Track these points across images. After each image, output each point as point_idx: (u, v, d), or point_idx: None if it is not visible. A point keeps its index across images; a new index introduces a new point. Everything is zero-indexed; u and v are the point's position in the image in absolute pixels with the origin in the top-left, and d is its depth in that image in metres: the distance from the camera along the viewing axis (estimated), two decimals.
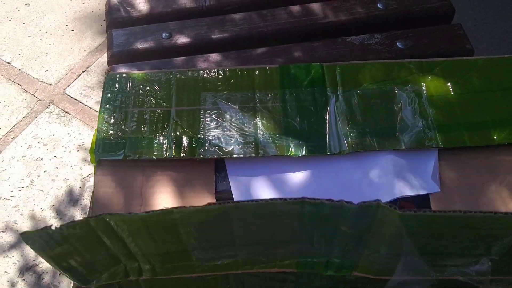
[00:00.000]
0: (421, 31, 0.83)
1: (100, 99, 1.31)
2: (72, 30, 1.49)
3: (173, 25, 0.83)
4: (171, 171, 0.51)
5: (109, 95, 0.55)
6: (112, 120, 0.54)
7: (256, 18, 0.84)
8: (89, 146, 1.27)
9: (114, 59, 0.79)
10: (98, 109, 1.33)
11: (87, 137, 1.29)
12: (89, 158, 1.25)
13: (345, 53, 0.82)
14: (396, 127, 0.54)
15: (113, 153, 0.51)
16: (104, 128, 0.53)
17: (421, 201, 0.52)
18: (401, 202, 0.52)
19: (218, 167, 0.53)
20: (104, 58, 1.43)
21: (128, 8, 0.83)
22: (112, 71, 0.78)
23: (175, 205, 0.49)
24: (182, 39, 0.82)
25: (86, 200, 1.20)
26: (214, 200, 0.50)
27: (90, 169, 1.24)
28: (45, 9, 1.55)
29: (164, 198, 0.50)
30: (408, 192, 0.49)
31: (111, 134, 0.52)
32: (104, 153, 0.51)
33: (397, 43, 0.81)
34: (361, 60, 0.77)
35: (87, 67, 1.41)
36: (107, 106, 0.55)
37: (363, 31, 0.83)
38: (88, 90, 1.37)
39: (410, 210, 0.40)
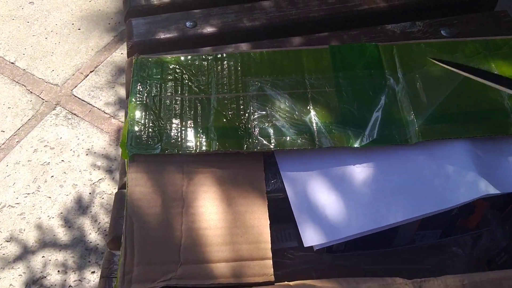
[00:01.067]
0: (466, 18, 0.76)
1: (108, 100, 1.25)
2: (79, 29, 1.43)
3: (198, 13, 0.76)
4: (215, 167, 0.44)
5: (139, 82, 0.48)
6: (145, 110, 0.47)
7: (287, 5, 0.78)
8: (99, 150, 1.20)
9: (135, 50, 0.72)
10: (107, 110, 1.26)
11: (96, 140, 1.21)
12: (99, 163, 1.18)
13: (385, 41, 0.76)
14: (471, 112, 0.47)
15: (149, 147, 0.44)
16: (136, 118, 0.46)
17: (499, 198, 0.46)
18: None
19: (267, 162, 0.46)
20: (113, 57, 1.36)
21: None
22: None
23: (220, 208, 0.42)
24: (207, 28, 0.75)
25: (96, 207, 1.12)
26: (265, 201, 0.43)
27: (99, 173, 1.17)
28: (50, 8, 1.48)
29: (208, 199, 0.43)
30: (492, 190, 0.42)
31: (145, 125, 0.45)
32: (138, 147, 0.44)
33: (441, 31, 0.75)
34: None
35: (95, 67, 1.34)
36: (138, 94, 0.48)
37: (403, 18, 0.77)
38: (97, 91, 1.30)
39: None
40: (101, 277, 0.54)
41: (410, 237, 0.47)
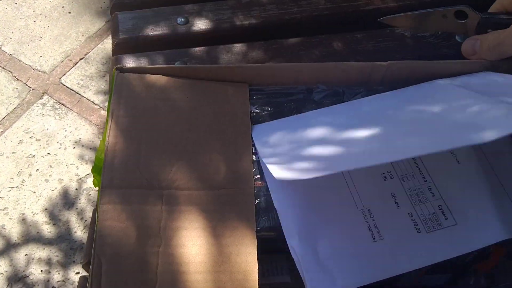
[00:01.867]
0: None
1: (98, 90, 1.19)
2: (69, 13, 1.35)
3: (190, 8, 0.70)
4: (199, 198, 0.39)
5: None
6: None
7: (289, 2, 0.71)
8: (87, 143, 1.14)
9: (120, 48, 0.66)
10: (97, 101, 1.20)
11: (85, 132, 1.16)
12: (86, 157, 1.12)
13: (394, 46, 0.70)
14: None
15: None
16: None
17: None
18: None
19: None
20: (104, 44, 1.29)
21: None
22: (117, 63, 0.65)
23: (203, 249, 0.37)
24: (200, 25, 0.69)
25: (83, 203, 1.07)
26: (255, 240, 0.38)
27: (87, 168, 1.12)
28: None
29: (190, 237, 0.38)
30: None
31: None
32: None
33: (456, 36, 0.69)
34: (413, 56, 0.65)
35: (85, 54, 1.28)
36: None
37: None
38: (86, 80, 1.23)
39: None
40: None
41: (416, 281, 0.42)
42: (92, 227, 0.54)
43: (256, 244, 0.38)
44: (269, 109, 0.46)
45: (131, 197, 0.39)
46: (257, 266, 0.37)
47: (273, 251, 0.42)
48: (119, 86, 0.44)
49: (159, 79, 0.45)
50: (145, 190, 0.39)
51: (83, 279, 0.51)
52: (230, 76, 0.45)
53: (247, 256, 0.37)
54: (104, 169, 0.40)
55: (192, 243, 0.38)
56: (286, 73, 0.46)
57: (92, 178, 1.08)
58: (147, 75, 0.45)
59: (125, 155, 0.41)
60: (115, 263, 0.37)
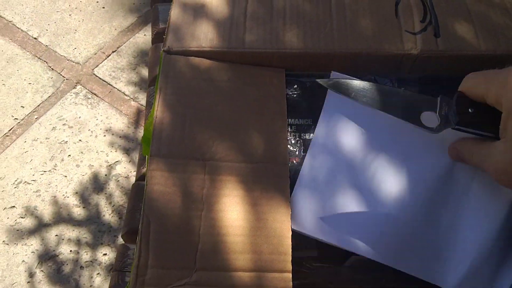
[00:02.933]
0: None
1: (129, 81, 1.24)
2: (103, 7, 1.41)
3: None
4: (240, 169, 0.42)
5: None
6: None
7: None
8: (117, 131, 1.19)
9: (160, 37, 0.70)
10: (128, 92, 1.25)
11: (115, 121, 1.21)
12: (116, 145, 1.17)
13: None
14: None
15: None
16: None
17: None
18: None
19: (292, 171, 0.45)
20: (136, 38, 1.34)
21: None
22: (156, 51, 0.69)
23: (241, 214, 0.41)
24: None
25: (111, 188, 1.12)
26: (289, 209, 0.41)
27: (116, 155, 1.16)
28: None
29: (229, 203, 0.41)
30: None
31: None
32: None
33: None
34: None
35: (118, 47, 1.33)
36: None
37: None
38: (118, 72, 1.28)
39: None
40: (114, 270, 0.53)
41: None
42: (132, 200, 0.58)
43: (290, 213, 0.41)
44: (301, 93, 0.49)
45: (177, 166, 0.43)
46: (290, 232, 0.40)
47: None
48: (166, 66, 0.48)
49: (203, 62, 0.49)
50: (189, 160, 0.43)
51: (122, 247, 0.55)
52: (268, 61, 0.49)
53: (281, 223, 0.41)
54: (153, 140, 0.44)
55: (232, 209, 0.41)
56: (320, 61, 0.49)
57: (121, 165, 1.13)
58: (192, 57, 0.49)
59: (171, 128, 0.44)
60: (162, 224, 0.40)
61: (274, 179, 0.43)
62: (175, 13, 0.52)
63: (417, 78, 0.50)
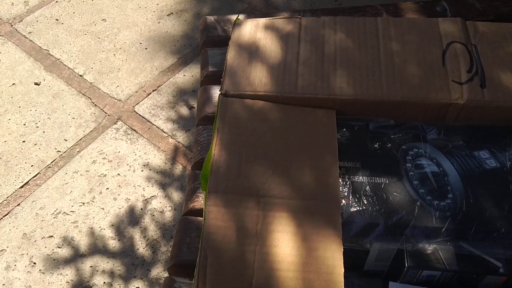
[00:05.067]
0: None
1: (168, 119, 1.29)
2: (146, 48, 1.48)
3: None
4: (291, 205, 0.44)
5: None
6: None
7: None
8: (154, 167, 1.22)
9: (208, 79, 0.74)
10: (166, 129, 1.29)
11: (153, 157, 1.25)
12: (153, 180, 1.20)
13: None
14: None
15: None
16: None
17: None
18: None
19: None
20: (175, 78, 1.40)
21: (226, 27, 0.79)
22: (206, 92, 0.73)
23: (294, 250, 0.42)
24: None
25: (147, 223, 1.14)
26: (341, 246, 0.43)
27: (153, 190, 1.19)
28: (121, 26, 1.55)
29: (282, 239, 0.43)
30: None
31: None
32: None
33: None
34: None
35: (158, 86, 1.39)
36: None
37: None
38: (157, 110, 1.34)
39: None
40: None
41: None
42: (179, 234, 0.60)
43: (342, 250, 0.43)
44: (350, 136, 0.51)
45: (233, 201, 0.45)
46: (342, 269, 0.42)
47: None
48: (223, 108, 0.51)
49: (257, 103, 0.52)
50: (244, 196, 0.45)
51: (168, 280, 0.57)
52: (319, 105, 0.52)
53: (334, 260, 0.42)
54: (211, 176, 0.46)
55: (285, 245, 0.43)
56: (369, 107, 0.51)
57: (157, 200, 1.16)
58: (246, 99, 0.52)
59: (228, 166, 0.47)
60: (218, 257, 0.42)
61: (325, 216, 0.44)
62: (231, 56, 0.56)
63: (464, 127, 0.52)
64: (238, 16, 0.59)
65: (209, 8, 1.61)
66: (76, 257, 1.11)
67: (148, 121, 1.31)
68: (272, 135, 0.49)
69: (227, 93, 0.52)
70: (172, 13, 1.58)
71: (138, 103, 1.35)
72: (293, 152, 0.48)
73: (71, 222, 1.15)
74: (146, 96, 1.36)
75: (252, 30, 0.57)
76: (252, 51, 0.56)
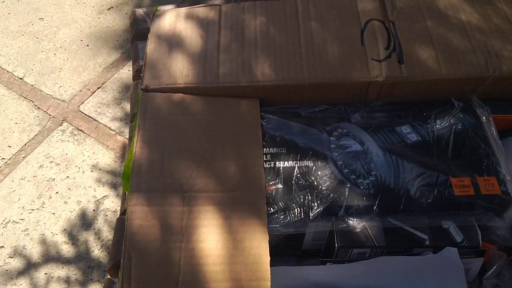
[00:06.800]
0: None
1: (115, 116, 1.26)
2: (87, 45, 1.44)
3: None
4: (216, 198, 0.44)
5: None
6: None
7: None
8: (104, 166, 1.20)
9: (140, 73, 0.72)
10: (113, 127, 1.26)
11: (102, 156, 1.22)
12: (103, 179, 1.18)
13: None
14: None
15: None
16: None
17: None
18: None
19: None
20: (120, 74, 1.37)
21: None
22: (137, 87, 0.71)
23: (220, 244, 0.42)
24: None
25: (100, 224, 1.12)
26: (266, 236, 0.42)
27: (104, 190, 1.17)
28: (60, 24, 1.49)
29: (208, 233, 0.42)
30: None
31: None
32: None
33: None
34: None
35: (102, 84, 1.35)
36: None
37: None
38: (103, 108, 1.30)
39: None
40: None
41: None
42: (117, 234, 0.59)
43: (268, 238, 0.43)
44: (275, 122, 0.51)
45: (156, 199, 0.44)
46: (268, 258, 0.42)
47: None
48: (144, 104, 0.50)
49: (178, 96, 0.51)
50: (168, 193, 0.44)
51: (108, 282, 0.56)
52: (242, 93, 0.51)
53: (259, 250, 0.42)
54: (132, 176, 0.45)
55: (211, 239, 0.42)
56: (291, 93, 0.51)
57: (109, 199, 1.14)
58: (168, 93, 0.51)
59: (150, 163, 0.46)
60: (143, 257, 0.41)
61: (251, 206, 0.44)
62: (150, 49, 0.55)
63: (385, 105, 0.52)
64: (157, 7, 0.58)
65: (149, 0, 1.57)
66: (29, 266, 1.07)
67: (94, 120, 1.28)
68: (195, 128, 0.49)
69: (147, 88, 0.51)
70: (112, 7, 1.54)
71: (83, 102, 1.31)
72: (217, 144, 0.48)
73: (22, 231, 1.12)
74: (91, 95, 1.33)
75: (172, 20, 0.56)
76: (172, 43, 0.54)
